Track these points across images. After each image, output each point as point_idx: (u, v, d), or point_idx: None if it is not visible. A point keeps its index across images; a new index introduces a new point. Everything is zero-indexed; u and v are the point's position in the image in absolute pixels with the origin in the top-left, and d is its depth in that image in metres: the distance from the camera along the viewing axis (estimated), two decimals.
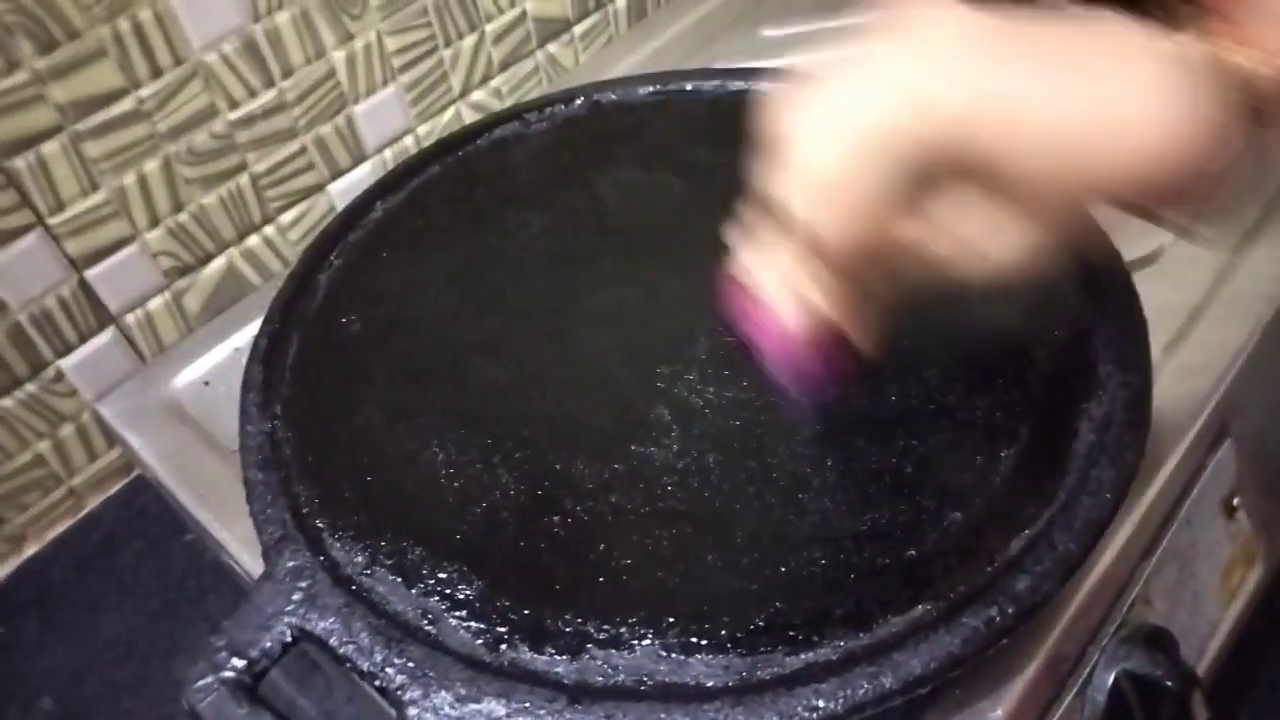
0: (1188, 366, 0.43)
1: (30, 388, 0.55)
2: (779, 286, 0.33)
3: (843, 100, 0.30)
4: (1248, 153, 0.30)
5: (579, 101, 0.54)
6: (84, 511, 0.60)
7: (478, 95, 0.69)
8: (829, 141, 0.30)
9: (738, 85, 0.52)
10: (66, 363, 0.56)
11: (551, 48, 0.72)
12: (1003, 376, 0.39)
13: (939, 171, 0.30)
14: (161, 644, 0.54)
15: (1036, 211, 0.30)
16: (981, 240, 0.31)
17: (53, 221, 0.53)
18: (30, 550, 0.58)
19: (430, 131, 0.67)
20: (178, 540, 0.58)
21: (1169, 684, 0.37)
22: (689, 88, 0.53)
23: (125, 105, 0.53)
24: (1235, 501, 0.45)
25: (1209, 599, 0.44)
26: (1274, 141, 0.30)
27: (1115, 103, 0.29)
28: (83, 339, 0.56)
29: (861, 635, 0.33)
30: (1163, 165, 0.29)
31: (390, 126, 0.65)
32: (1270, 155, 0.31)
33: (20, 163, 0.50)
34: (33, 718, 0.52)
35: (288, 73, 0.58)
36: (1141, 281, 0.40)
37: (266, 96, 0.58)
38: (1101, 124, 0.29)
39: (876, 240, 0.31)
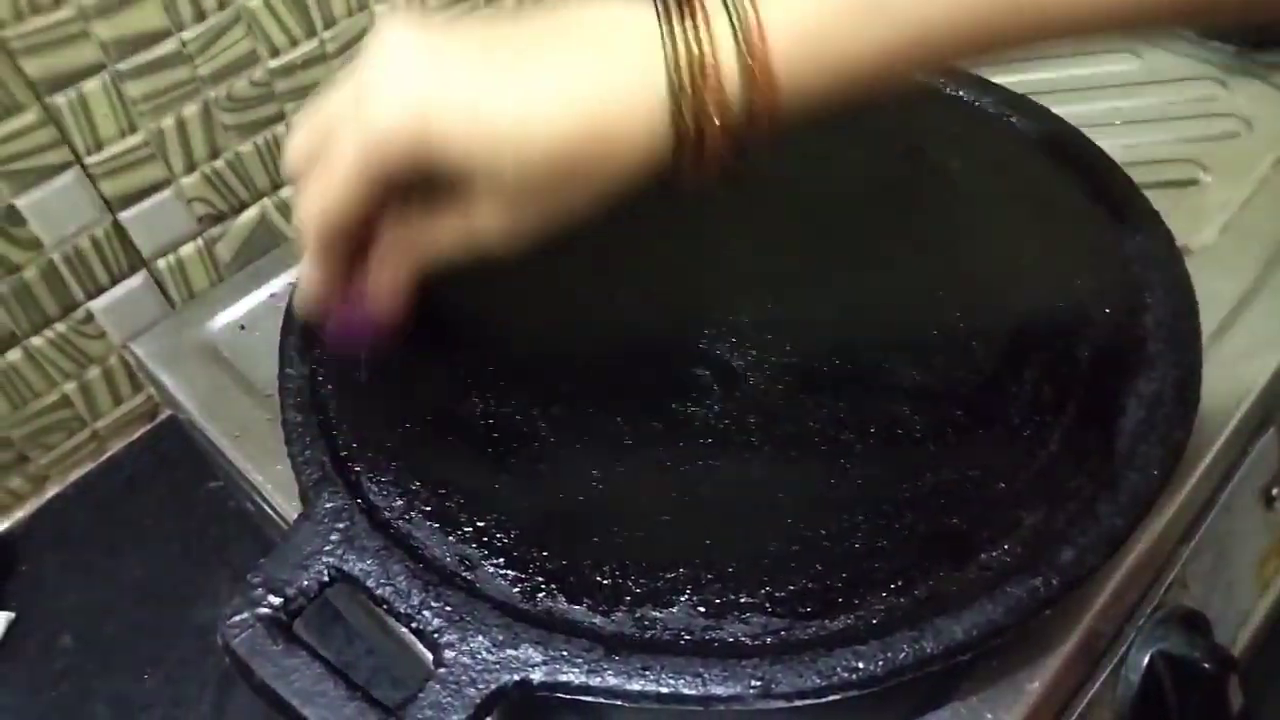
0: (1233, 354, 0.42)
1: (60, 327, 0.55)
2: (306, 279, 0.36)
3: (333, 119, 0.33)
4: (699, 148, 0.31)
5: None
6: (106, 455, 0.60)
7: None
8: (296, 139, 0.34)
9: None
10: (97, 304, 0.56)
11: None
12: (1051, 351, 0.38)
13: (401, 174, 0.32)
14: (181, 589, 0.54)
15: (513, 204, 0.32)
16: (459, 229, 0.33)
17: (90, 161, 0.52)
18: (52, 491, 0.59)
19: None
20: (201, 487, 0.58)
21: (1206, 666, 0.36)
22: None
23: (168, 47, 0.52)
24: (1275, 491, 0.44)
25: (1243, 587, 0.44)
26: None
27: (557, 96, 0.30)
28: (114, 281, 0.56)
29: (902, 600, 0.32)
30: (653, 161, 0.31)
31: None
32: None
33: (61, 100, 0.50)
34: (52, 655, 0.52)
35: (330, 23, 0.58)
36: (1191, 267, 0.40)
37: (308, 46, 0.58)
38: (566, 119, 0.30)
39: (341, 225, 0.34)
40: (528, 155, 0.30)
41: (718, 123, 0.30)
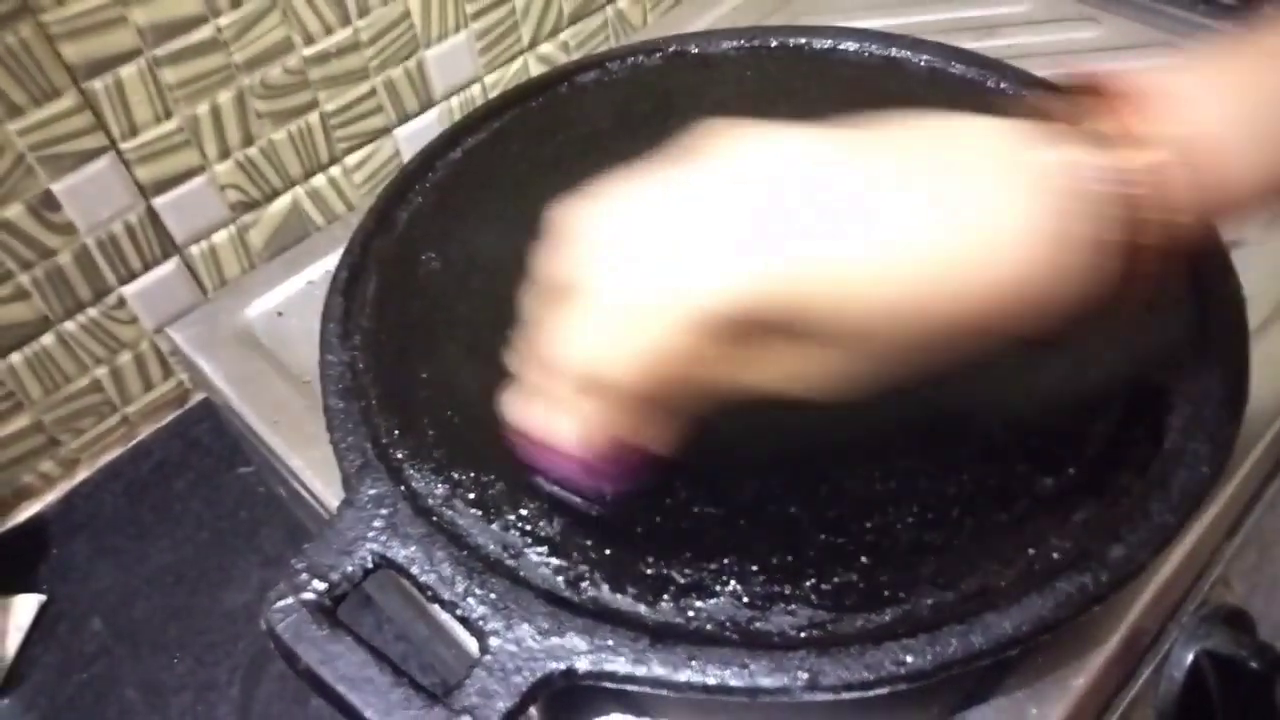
0: (1278, 352, 0.42)
1: (92, 312, 0.55)
2: (552, 412, 0.32)
3: (649, 260, 0.28)
4: (1129, 266, 0.28)
5: (660, 53, 0.53)
6: (136, 440, 0.60)
7: (545, 48, 0.69)
8: (622, 282, 0.29)
9: (823, 43, 0.52)
10: (129, 289, 0.56)
11: (621, 3, 0.72)
12: (1098, 349, 0.38)
13: (749, 323, 0.28)
14: (211, 574, 0.54)
15: (859, 352, 0.29)
16: (793, 372, 0.29)
17: (125, 146, 0.52)
18: (82, 475, 0.59)
19: (497, 82, 0.67)
20: (230, 473, 0.58)
21: (1253, 665, 0.36)
22: (773, 43, 0.52)
23: (204, 33, 0.52)
24: None
25: None
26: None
27: (960, 236, 0.27)
28: (146, 267, 0.56)
29: (950, 595, 0.32)
30: (1018, 295, 0.27)
31: (459, 74, 0.65)
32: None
33: (98, 85, 0.50)
34: (82, 637, 0.52)
35: (364, 11, 0.58)
36: (1237, 261, 0.39)
37: (342, 34, 0.58)
38: (946, 264, 0.27)
39: (664, 377, 0.29)
40: (908, 315, 0.27)
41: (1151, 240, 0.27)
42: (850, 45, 0.52)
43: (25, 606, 0.52)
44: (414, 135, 0.64)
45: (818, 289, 0.27)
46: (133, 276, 0.56)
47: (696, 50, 0.53)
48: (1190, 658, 0.37)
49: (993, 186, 0.27)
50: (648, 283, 0.28)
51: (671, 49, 0.54)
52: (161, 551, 0.55)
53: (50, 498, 0.58)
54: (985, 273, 0.27)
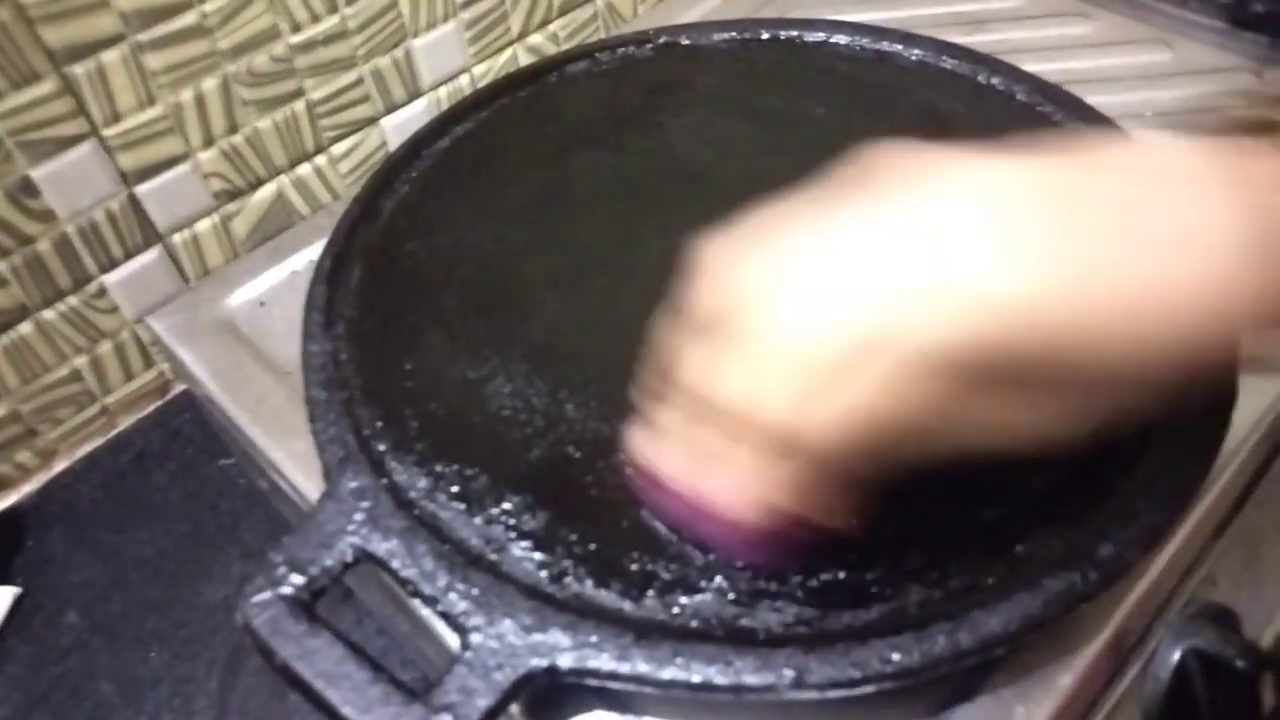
0: (1268, 347, 0.42)
1: (72, 301, 0.54)
2: (707, 467, 0.28)
3: (838, 276, 0.25)
4: None
5: (651, 44, 0.53)
6: (116, 431, 0.59)
7: (535, 38, 0.68)
8: (814, 324, 0.25)
9: (815, 36, 0.51)
10: (110, 278, 0.55)
11: None
12: None
13: (969, 363, 0.24)
14: (190, 567, 0.53)
15: (1094, 393, 0.26)
16: (1008, 420, 0.26)
17: (107, 133, 0.52)
18: (60, 466, 0.58)
19: (486, 72, 0.66)
20: (211, 465, 0.57)
21: (1239, 664, 0.36)
22: (764, 36, 0.52)
23: (188, 19, 0.52)
24: None
25: (1272, 583, 0.43)
26: None
27: (1174, 260, 0.24)
28: (128, 255, 0.55)
29: (938, 592, 0.32)
30: (1237, 320, 0.25)
31: (447, 64, 0.64)
32: None
33: (79, 70, 0.49)
34: (59, 631, 0.51)
35: None
36: None
37: (329, 22, 0.57)
38: (1170, 292, 0.24)
39: (862, 439, 0.25)
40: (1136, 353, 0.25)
41: None
42: (842, 39, 0.51)
43: (0, 599, 0.52)
44: (401, 125, 0.63)
45: (1070, 312, 0.24)
46: (114, 265, 0.55)
47: (687, 42, 0.53)
48: (1176, 656, 0.37)
49: (1188, 206, 0.25)
50: (853, 323, 0.24)
51: (662, 40, 0.53)
52: (140, 544, 0.54)
53: (27, 489, 0.57)
54: (1194, 295, 0.24)
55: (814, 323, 0.25)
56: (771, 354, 0.25)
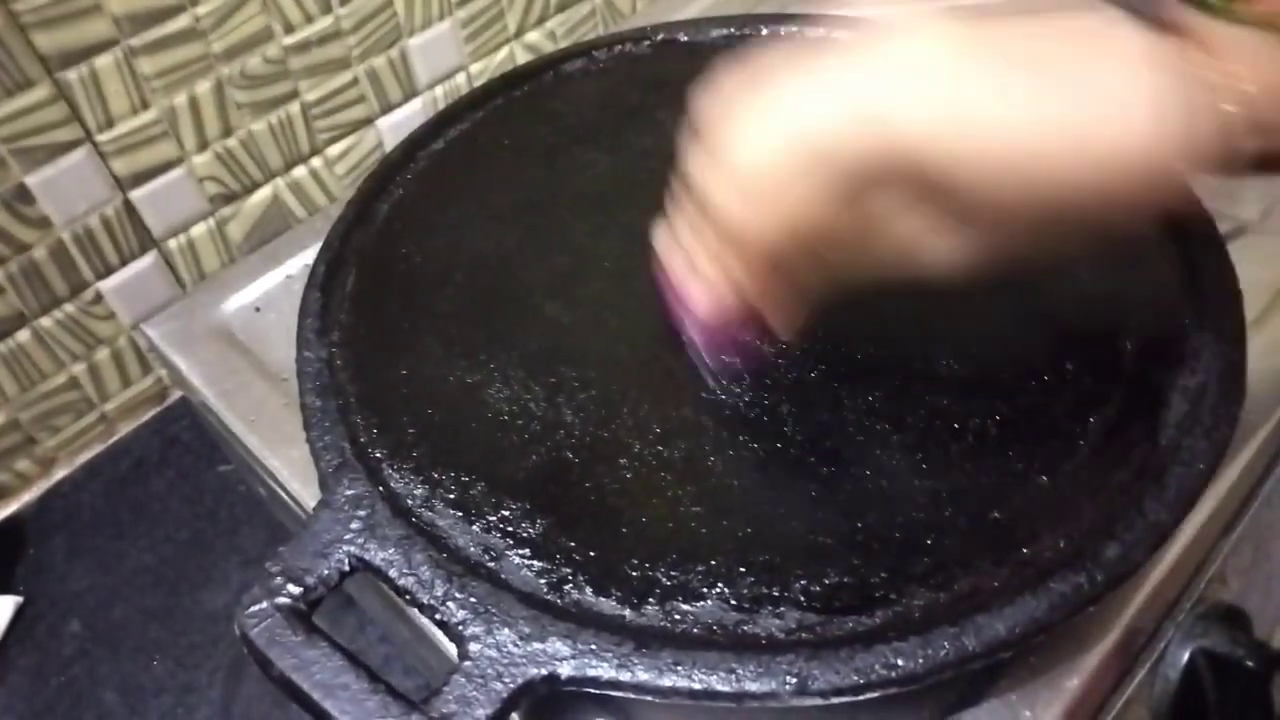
0: (1274, 343, 0.41)
1: (69, 308, 0.54)
2: (692, 269, 0.33)
3: (788, 101, 0.29)
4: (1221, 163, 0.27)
5: (648, 41, 0.52)
6: (115, 438, 0.59)
7: (532, 36, 0.68)
8: (765, 141, 0.29)
9: (815, 31, 0.51)
10: (106, 284, 0.55)
11: None
12: (1093, 342, 0.37)
13: (884, 180, 0.29)
14: (190, 574, 0.53)
15: (986, 223, 0.29)
16: (920, 243, 0.30)
17: (101, 139, 0.51)
18: (60, 474, 0.58)
19: (483, 70, 0.66)
20: (210, 471, 0.57)
21: (1249, 664, 0.36)
22: (764, 31, 0.51)
23: (181, 22, 0.51)
24: None
25: None
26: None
27: (1084, 111, 0.27)
28: (124, 261, 0.55)
29: (942, 596, 0.31)
30: (1131, 176, 0.27)
31: (443, 63, 0.64)
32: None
33: (73, 75, 0.49)
34: (62, 640, 0.51)
35: None
36: (1233, 252, 0.39)
37: (323, 23, 0.56)
38: (1068, 137, 0.27)
39: (799, 238, 0.30)
40: (1039, 178, 0.27)
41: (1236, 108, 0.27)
42: (844, 34, 0.50)
43: (1, 608, 0.51)
44: (397, 125, 0.63)
45: (963, 143, 0.27)
46: (110, 271, 0.55)
47: (685, 38, 0.52)
48: (1186, 656, 0.37)
49: (1116, 62, 0.27)
50: (791, 137, 0.29)
51: (660, 37, 0.53)
52: (141, 551, 0.54)
53: (27, 497, 0.57)
54: (1124, 142, 0.27)
55: (763, 137, 0.29)
56: (730, 162, 0.30)
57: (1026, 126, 0.27)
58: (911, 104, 0.27)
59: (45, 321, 0.54)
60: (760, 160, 0.29)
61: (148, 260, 0.56)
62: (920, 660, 0.30)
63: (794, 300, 0.33)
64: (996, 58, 0.28)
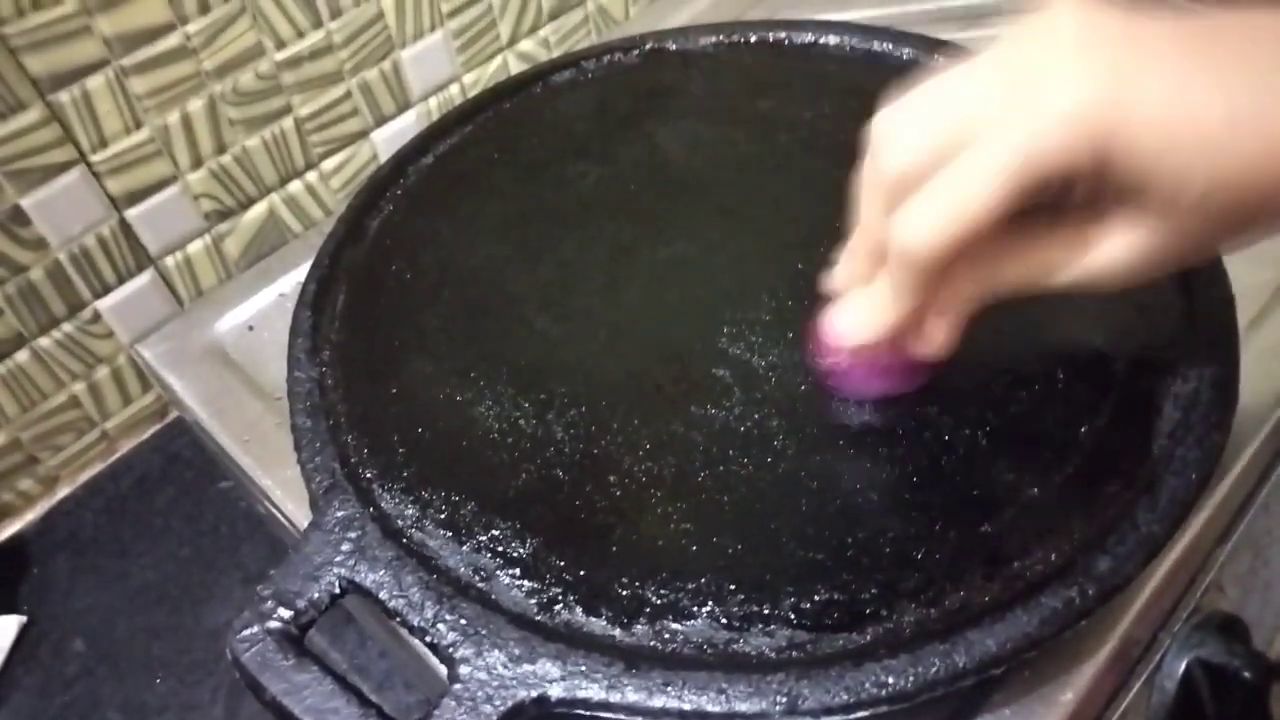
0: (1271, 346, 0.41)
1: (67, 328, 0.54)
2: (849, 292, 0.32)
3: (976, 108, 0.27)
4: None
5: (638, 50, 0.52)
6: (116, 455, 0.59)
7: (525, 45, 0.68)
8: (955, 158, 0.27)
9: (804, 38, 0.50)
10: (104, 304, 0.55)
11: None
12: (1083, 350, 0.37)
13: (1075, 187, 0.27)
14: (193, 591, 0.53)
15: (1176, 229, 0.27)
16: (1093, 246, 0.29)
17: (95, 159, 0.51)
18: (62, 492, 0.58)
19: (476, 80, 0.66)
20: (211, 488, 0.57)
21: (1246, 675, 0.35)
22: (752, 38, 0.51)
23: (172, 41, 0.51)
24: None
25: None
26: None
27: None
28: (121, 280, 0.55)
29: (933, 612, 0.31)
30: None
31: (436, 74, 0.63)
32: None
33: (65, 97, 0.49)
34: (65, 659, 0.51)
35: (336, 13, 0.57)
36: (1225, 257, 0.38)
37: (314, 37, 0.56)
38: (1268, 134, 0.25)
39: (973, 256, 0.28)
40: (1228, 170, 0.26)
41: None
42: (831, 39, 0.51)
43: (5, 627, 0.52)
44: (392, 138, 0.63)
45: (1151, 136, 0.26)
46: (107, 290, 0.55)
47: (675, 47, 0.52)
48: (1182, 667, 0.36)
49: None
50: (937, 137, 0.28)
51: (649, 46, 0.53)
52: (143, 569, 0.54)
53: (30, 516, 0.57)
54: None
55: (909, 142, 0.28)
56: (881, 174, 0.29)
57: (1231, 125, 0.25)
58: (1113, 94, 0.25)
59: (44, 341, 0.54)
60: (903, 166, 0.28)
61: (145, 278, 0.56)
62: (911, 678, 0.30)
63: (954, 315, 0.31)
64: (1187, 44, 0.26)
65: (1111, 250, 0.28)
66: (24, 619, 0.52)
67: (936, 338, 0.32)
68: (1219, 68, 0.26)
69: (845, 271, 0.33)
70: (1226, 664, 0.36)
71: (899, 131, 0.29)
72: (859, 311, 0.32)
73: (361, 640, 0.49)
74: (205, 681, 0.50)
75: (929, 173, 0.28)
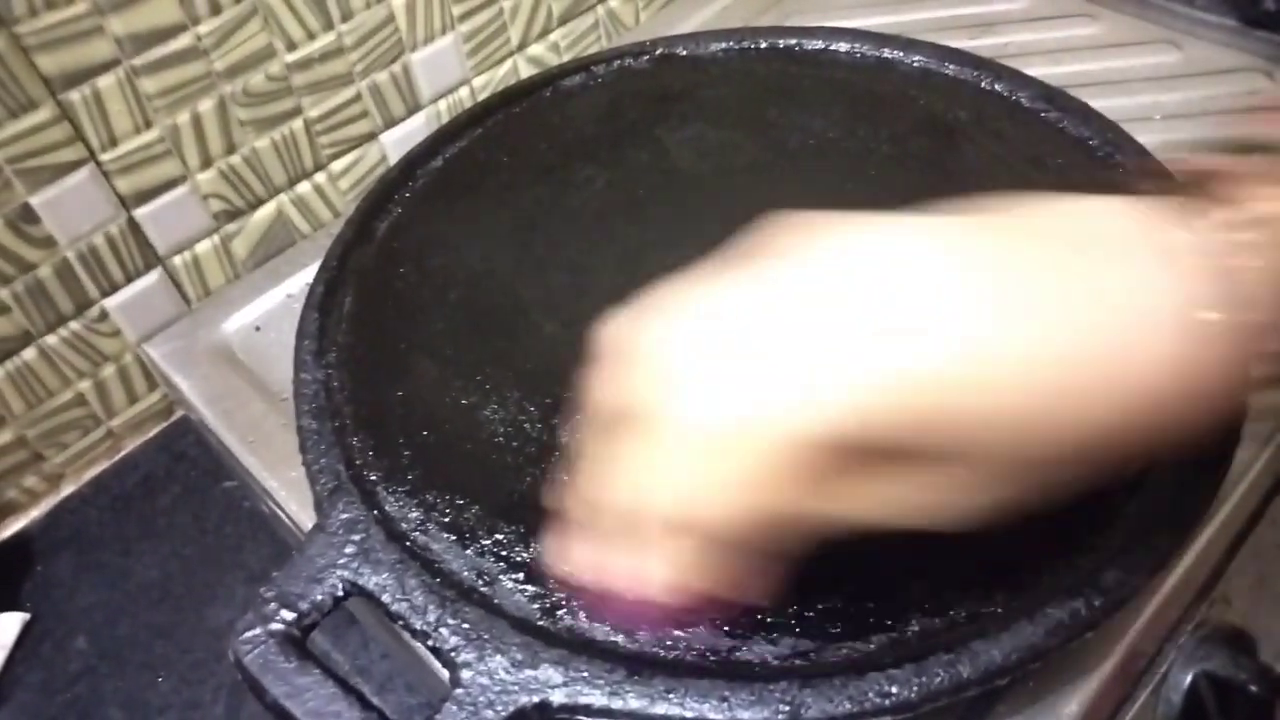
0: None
1: (74, 326, 0.54)
2: (634, 565, 0.27)
3: (732, 380, 0.24)
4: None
5: (648, 55, 0.52)
6: (122, 453, 0.59)
7: (536, 49, 0.68)
8: (715, 432, 0.24)
9: (815, 44, 0.50)
10: (111, 302, 0.55)
11: (612, 3, 0.70)
12: None
13: (871, 447, 0.24)
14: (197, 590, 0.53)
15: (999, 471, 0.25)
16: (918, 501, 0.26)
17: (105, 158, 0.52)
18: (67, 490, 0.58)
19: (486, 84, 0.66)
20: (216, 487, 0.57)
21: (1253, 689, 0.35)
22: (763, 45, 0.51)
23: (183, 41, 0.51)
24: None
25: None
26: None
27: (1103, 331, 0.23)
28: (129, 279, 0.55)
29: (938, 621, 0.31)
30: (1169, 394, 0.24)
31: (446, 77, 0.63)
32: None
33: (76, 96, 0.49)
34: (68, 656, 0.51)
35: (347, 16, 0.57)
36: None
37: (325, 39, 0.57)
38: (1091, 374, 0.23)
39: (776, 514, 0.25)
40: (1046, 424, 0.24)
41: None
42: (842, 46, 0.50)
43: (8, 625, 0.52)
44: (401, 140, 0.63)
45: (938, 400, 0.23)
46: (115, 289, 0.55)
47: (685, 52, 0.52)
48: (1188, 680, 0.36)
49: (1128, 272, 0.24)
50: (734, 406, 0.24)
51: (659, 51, 0.53)
52: (147, 568, 0.54)
53: (35, 513, 0.57)
54: (1134, 369, 0.23)
55: (696, 407, 0.25)
56: (661, 439, 0.25)
57: (1045, 369, 0.23)
58: (887, 348, 0.23)
59: (51, 339, 0.54)
60: (701, 431, 0.24)
61: (153, 277, 0.56)
62: (915, 688, 0.30)
63: (761, 566, 0.27)
64: (991, 273, 0.24)
65: (923, 495, 0.26)
66: (27, 616, 0.52)
67: (748, 584, 0.27)
68: (994, 317, 0.23)
69: (590, 514, 0.28)
70: (1233, 677, 0.35)
71: (702, 413, 0.25)
72: (647, 567, 0.27)
73: (364, 641, 0.49)
74: (207, 681, 0.50)
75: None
